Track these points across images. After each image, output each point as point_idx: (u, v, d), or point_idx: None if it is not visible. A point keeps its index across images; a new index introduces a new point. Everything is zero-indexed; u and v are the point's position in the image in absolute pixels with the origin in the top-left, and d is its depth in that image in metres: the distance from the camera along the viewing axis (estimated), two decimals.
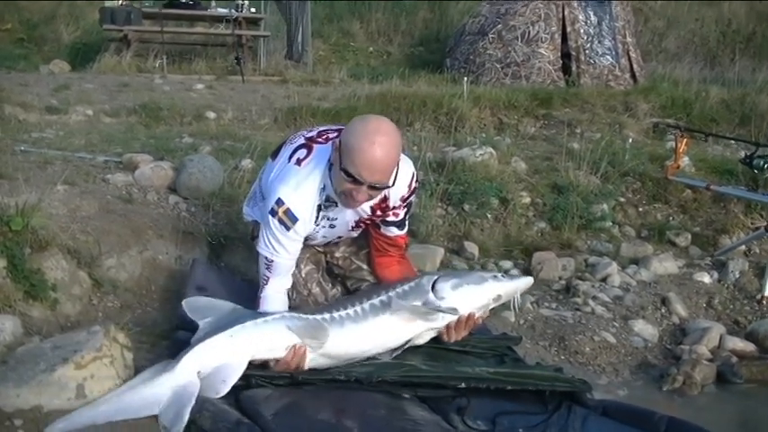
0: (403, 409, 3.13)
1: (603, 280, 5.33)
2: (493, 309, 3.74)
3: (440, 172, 6.12)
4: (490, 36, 11.57)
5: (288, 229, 3.43)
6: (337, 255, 3.94)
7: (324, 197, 3.45)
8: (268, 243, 3.48)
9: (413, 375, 3.27)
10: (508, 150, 6.84)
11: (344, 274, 3.90)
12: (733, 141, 8.16)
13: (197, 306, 3.38)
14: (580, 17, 11.54)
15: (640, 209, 6.52)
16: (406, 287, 3.49)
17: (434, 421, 3.08)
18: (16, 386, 2.78)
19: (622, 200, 6.51)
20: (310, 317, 3.32)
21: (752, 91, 9.89)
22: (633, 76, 11.71)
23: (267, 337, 3.21)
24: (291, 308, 3.56)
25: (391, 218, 3.66)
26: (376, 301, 3.42)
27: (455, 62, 11.91)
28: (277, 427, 2.87)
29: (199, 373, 3.05)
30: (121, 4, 12.28)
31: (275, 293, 3.55)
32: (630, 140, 7.36)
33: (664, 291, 5.26)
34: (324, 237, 3.68)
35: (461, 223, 5.84)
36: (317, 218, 3.49)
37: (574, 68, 11.36)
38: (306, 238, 3.57)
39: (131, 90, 8.60)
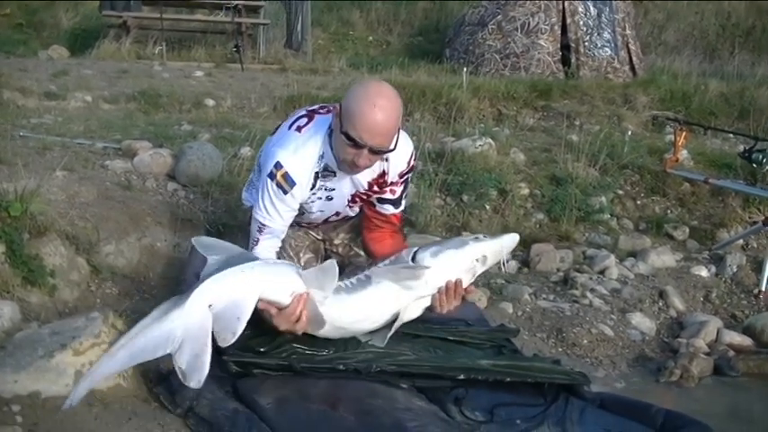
0: (400, 399, 3.13)
1: (601, 272, 5.34)
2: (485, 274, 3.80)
3: (438, 162, 6.13)
4: (490, 27, 11.56)
5: (285, 192, 3.44)
6: (336, 242, 3.95)
7: (323, 165, 3.45)
8: (263, 207, 3.49)
9: (411, 365, 3.27)
10: (507, 141, 6.84)
11: (343, 262, 3.86)
12: (732, 135, 8.17)
13: (207, 244, 3.36)
14: (580, 9, 11.54)
15: (639, 202, 6.52)
16: (386, 261, 3.50)
17: (432, 411, 3.09)
18: (14, 372, 2.77)
19: (621, 192, 6.51)
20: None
21: (751, 85, 9.90)
22: (632, 68, 11.72)
23: (277, 277, 3.20)
24: None
25: (388, 195, 3.66)
26: (361, 275, 3.42)
27: (454, 52, 11.91)
28: (274, 416, 2.88)
29: (210, 306, 2.99)
30: None
31: (265, 252, 3.55)
32: (629, 133, 7.36)
33: (661, 284, 5.27)
34: (320, 211, 3.68)
35: (460, 214, 5.84)
36: (315, 186, 3.50)
37: (573, 60, 11.37)
38: (302, 211, 3.60)
39: (130, 77, 8.59)
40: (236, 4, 12.21)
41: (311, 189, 3.50)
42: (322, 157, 3.44)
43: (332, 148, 3.39)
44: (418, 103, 7.98)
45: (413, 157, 3.64)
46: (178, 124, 6.65)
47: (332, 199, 3.61)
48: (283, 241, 3.67)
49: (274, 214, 3.49)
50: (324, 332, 3.30)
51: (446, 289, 3.42)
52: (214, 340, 2.94)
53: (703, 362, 4.43)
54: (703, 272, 5.55)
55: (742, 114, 9.07)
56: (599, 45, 11.61)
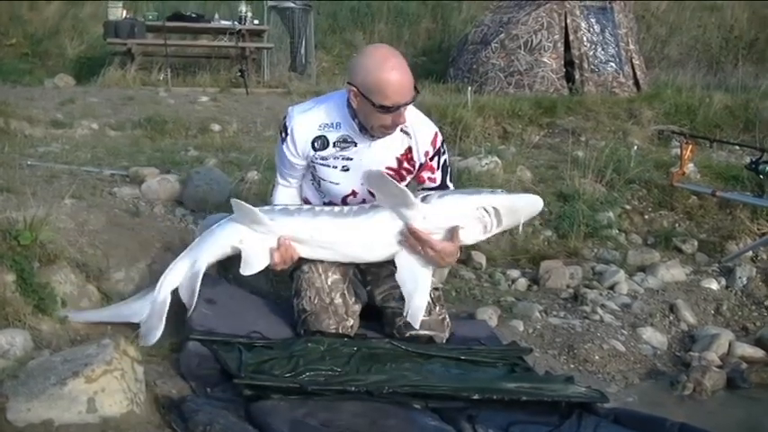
0: (414, 420, 3.12)
1: (611, 288, 5.32)
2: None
3: None
4: (493, 45, 11.60)
5: (282, 141, 3.73)
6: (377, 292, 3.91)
7: (338, 136, 3.66)
8: (276, 158, 3.94)
9: (424, 386, 3.26)
10: (513, 159, 6.84)
11: (376, 281, 3.87)
12: (738, 147, 8.17)
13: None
14: (583, 25, 11.58)
15: (646, 216, 6.51)
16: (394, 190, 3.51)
17: (446, 431, 3.08)
18: (27, 400, 2.77)
19: (628, 207, 6.50)
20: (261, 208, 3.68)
21: (755, 96, 9.91)
22: (637, 83, 11.75)
23: (217, 244, 3.71)
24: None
25: (429, 184, 3.77)
26: (365, 205, 3.57)
27: (458, 72, 11.94)
28: None
29: (173, 290, 3.68)
30: (125, 18, 12.33)
31: (279, 199, 3.95)
32: (635, 148, 7.36)
33: (671, 298, 5.25)
34: (335, 183, 3.75)
35: None
36: (321, 148, 3.69)
37: (577, 76, 11.40)
38: (319, 178, 3.77)
39: (136, 103, 8.63)
40: (240, 29, 12.27)
41: (315, 152, 3.69)
42: (338, 126, 3.63)
43: (353, 118, 3.60)
44: None
45: (438, 136, 3.80)
46: (185, 150, 6.67)
47: (348, 170, 3.68)
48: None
49: (278, 163, 3.90)
50: (321, 255, 3.62)
51: (443, 231, 3.45)
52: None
53: (716, 375, 4.41)
54: (713, 285, 5.53)
55: (747, 126, 9.08)
56: (603, 60, 11.65)
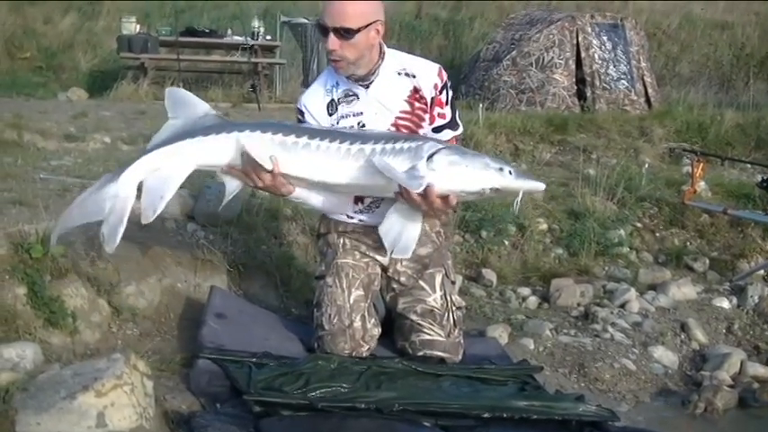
0: None
1: (622, 306, 5.31)
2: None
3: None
4: (505, 62, 11.60)
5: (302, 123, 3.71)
6: (399, 268, 3.84)
7: (341, 92, 3.68)
8: None
9: (435, 404, 3.26)
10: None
11: (402, 291, 3.84)
12: (749, 165, 8.15)
13: (177, 98, 3.52)
14: (594, 42, 11.58)
15: (657, 234, 6.50)
16: (404, 145, 3.36)
17: None
18: (36, 414, 2.77)
19: (639, 225, 6.50)
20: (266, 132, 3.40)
21: (767, 114, 9.88)
22: (648, 100, 11.74)
23: (213, 145, 3.38)
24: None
25: (439, 121, 3.71)
26: (366, 147, 3.36)
27: (470, 89, 11.95)
28: None
29: (141, 182, 3.37)
30: (139, 33, 12.39)
31: None
32: (646, 165, 7.36)
33: (683, 316, 5.24)
34: None
35: (479, 250, 5.83)
36: (337, 112, 3.68)
37: (589, 94, 11.39)
38: None
39: (148, 117, 8.64)
40: (253, 45, 12.30)
41: (332, 115, 3.68)
42: (337, 85, 3.69)
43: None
44: None
45: (442, 70, 3.75)
46: None
47: (365, 126, 3.65)
48: (340, 268, 3.72)
49: None
50: (323, 181, 3.42)
51: (441, 196, 3.33)
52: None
53: (727, 394, 4.40)
54: (725, 303, 5.51)
55: (759, 144, 9.07)
56: (614, 78, 11.65)
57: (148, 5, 16.58)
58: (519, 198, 3.40)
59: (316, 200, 3.59)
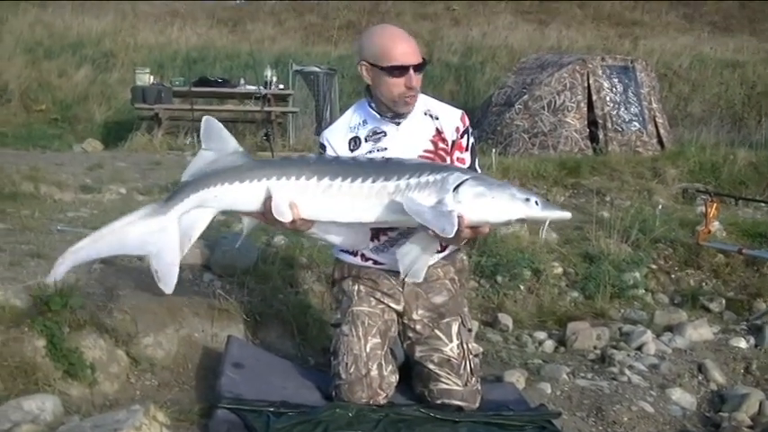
0: None
1: (639, 348, 5.29)
2: None
3: (471, 245, 6.14)
4: (516, 107, 11.68)
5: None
6: (415, 317, 3.83)
7: (369, 130, 3.73)
8: None
9: None
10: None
11: (418, 340, 3.82)
12: (763, 204, 8.15)
13: (211, 129, 3.47)
14: (605, 85, 11.65)
15: (673, 275, 6.50)
16: (429, 178, 3.32)
17: None
18: None
19: (654, 267, 6.50)
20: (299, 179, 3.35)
21: None
22: (660, 141, 11.78)
23: (239, 192, 3.34)
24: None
25: (457, 165, 3.70)
26: (389, 185, 3.32)
27: (483, 133, 12.00)
28: None
29: (180, 218, 3.29)
30: (152, 84, 12.52)
31: None
32: (660, 207, 7.36)
33: (700, 358, 5.21)
34: None
35: (494, 295, 5.84)
36: (357, 147, 3.72)
37: (601, 136, 11.44)
38: None
39: (163, 168, 8.72)
40: (266, 94, 12.40)
41: (353, 152, 3.70)
42: (364, 123, 3.75)
43: (373, 108, 3.71)
44: None
45: (464, 116, 3.80)
46: None
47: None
48: (356, 316, 3.72)
49: None
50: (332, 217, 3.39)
51: (469, 226, 3.31)
52: None
53: None
54: (742, 343, 5.49)
55: None
56: (626, 120, 11.70)
57: (162, 57, 16.79)
58: (545, 227, 3.40)
59: (335, 237, 3.58)
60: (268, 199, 3.30)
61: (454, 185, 3.28)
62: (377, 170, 3.36)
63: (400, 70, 3.53)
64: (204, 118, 3.52)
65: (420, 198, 3.28)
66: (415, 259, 3.49)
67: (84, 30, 18.16)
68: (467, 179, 3.31)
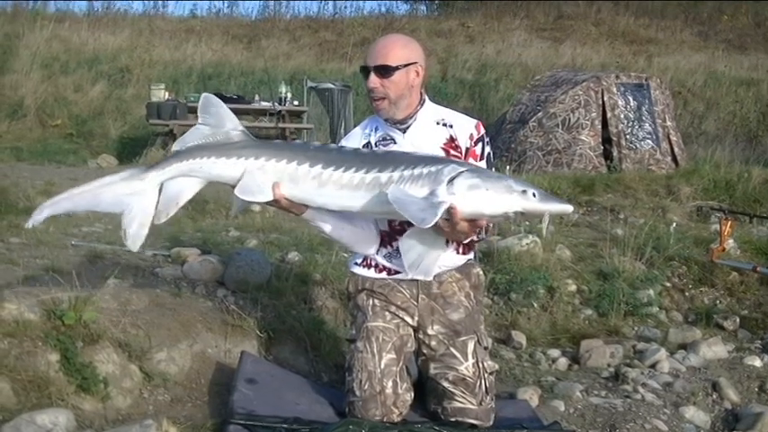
0: None
1: (652, 366, 5.28)
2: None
3: (486, 262, 6.13)
4: (531, 124, 11.68)
5: None
6: (431, 332, 3.78)
7: (379, 136, 3.78)
8: None
9: None
10: (552, 238, 6.84)
11: (433, 357, 3.77)
12: None
13: (209, 103, 3.52)
14: (620, 102, 11.65)
15: (687, 293, 6.48)
16: (424, 170, 3.29)
17: None
18: None
19: (668, 285, 6.47)
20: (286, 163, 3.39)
21: None
22: (674, 159, 11.77)
23: (226, 172, 3.41)
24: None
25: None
26: (381, 175, 3.31)
27: (497, 151, 11.98)
28: None
29: (161, 185, 3.38)
30: (167, 100, 12.57)
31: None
32: (674, 224, 7.34)
33: (714, 376, 5.19)
34: None
35: (508, 312, 5.84)
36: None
37: (615, 154, 11.43)
38: None
39: None
40: (280, 110, 12.44)
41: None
42: (376, 129, 3.80)
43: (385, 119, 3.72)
44: None
45: (480, 125, 3.78)
46: (225, 230, 6.74)
47: None
48: (371, 332, 3.70)
49: None
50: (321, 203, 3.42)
51: (466, 219, 3.27)
52: None
53: None
54: (756, 362, 5.46)
55: None
56: (640, 137, 11.69)
57: (177, 73, 16.86)
58: (546, 220, 3.38)
59: (338, 233, 3.65)
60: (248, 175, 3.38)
61: (449, 177, 3.24)
62: (372, 161, 3.37)
63: (364, 71, 3.64)
64: (203, 94, 3.59)
65: (413, 190, 3.25)
66: (422, 254, 3.48)
67: (100, 45, 18.26)
68: (462, 171, 3.27)
